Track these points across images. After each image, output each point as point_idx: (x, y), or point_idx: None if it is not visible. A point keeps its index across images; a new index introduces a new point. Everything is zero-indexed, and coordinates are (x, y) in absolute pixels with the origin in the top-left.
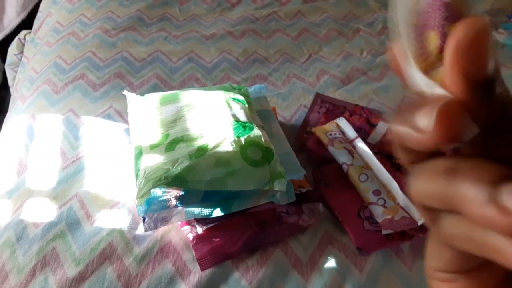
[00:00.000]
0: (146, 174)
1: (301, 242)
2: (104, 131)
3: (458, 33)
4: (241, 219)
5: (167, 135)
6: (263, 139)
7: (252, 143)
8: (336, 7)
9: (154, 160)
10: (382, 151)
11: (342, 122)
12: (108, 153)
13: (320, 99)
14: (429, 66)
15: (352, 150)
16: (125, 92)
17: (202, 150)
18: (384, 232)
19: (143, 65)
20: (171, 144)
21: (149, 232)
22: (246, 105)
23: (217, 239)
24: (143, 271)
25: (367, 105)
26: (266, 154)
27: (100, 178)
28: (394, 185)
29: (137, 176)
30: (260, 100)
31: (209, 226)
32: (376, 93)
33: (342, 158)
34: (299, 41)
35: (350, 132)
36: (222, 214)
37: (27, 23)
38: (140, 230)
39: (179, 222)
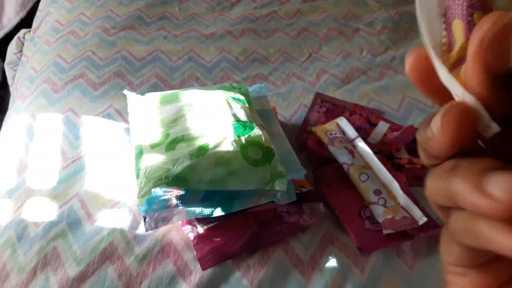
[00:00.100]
0: (146, 173)
1: (302, 241)
2: (104, 131)
3: (483, 27)
4: (241, 219)
5: (167, 135)
6: (263, 139)
7: (252, 143)
8: (336, 6)
9: (155, 160)
10: (383, 150)
11: (343, 121)
12: (108, 153)
13: (320, 98)
14: (456, 56)
15: (352, 150)
16: (125, 92)
17: (202, 149)
18: (385, 232)
19: (143, 64)
20: (171, 144)
21: (150, 232)
22: (247, 105)
23: (218, 239)
24: (144, 270)
25: (367, 104)
26: (266, 154)
27: (101, 178)
28: (394, 185)
29: (137, 176)
30: (260, 100)
31: (210, 225)
32: (376, 92)
33: (343, 157)
34: (299, 41)
35: (351, 132)
36: (223, 213)
37: (26, 22)
38: (141, 229)
39: (180, 222)
